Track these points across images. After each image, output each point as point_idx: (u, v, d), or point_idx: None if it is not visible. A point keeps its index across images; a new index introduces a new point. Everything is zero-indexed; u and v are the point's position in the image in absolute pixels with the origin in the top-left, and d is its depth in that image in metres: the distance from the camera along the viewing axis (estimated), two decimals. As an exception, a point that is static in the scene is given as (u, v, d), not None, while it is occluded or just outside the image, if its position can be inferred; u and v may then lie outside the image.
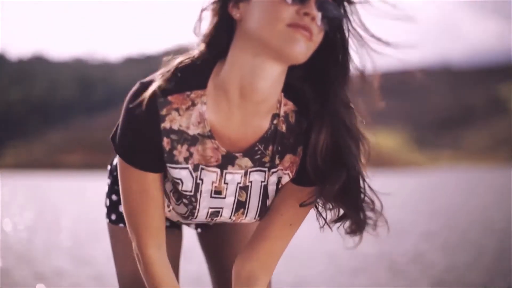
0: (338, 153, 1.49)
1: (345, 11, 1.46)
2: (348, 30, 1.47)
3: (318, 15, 1.40)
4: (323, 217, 1.59)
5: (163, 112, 1.50)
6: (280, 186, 1.61)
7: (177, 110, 1.51)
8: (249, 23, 1.43)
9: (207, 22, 1.50)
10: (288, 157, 1.57)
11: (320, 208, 1.59)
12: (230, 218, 1.64)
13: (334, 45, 1.48)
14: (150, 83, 1.49)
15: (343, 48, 1.48)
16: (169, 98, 1.49)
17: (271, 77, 1.46)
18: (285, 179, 1.60)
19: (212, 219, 1.66)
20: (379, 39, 1.44)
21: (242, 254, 1.67)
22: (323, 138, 1.49)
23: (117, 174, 1.82)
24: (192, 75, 1.51)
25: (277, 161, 1.57)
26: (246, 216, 1.63)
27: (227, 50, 1.50)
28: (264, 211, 1.62)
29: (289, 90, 1.54)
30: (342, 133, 1.49)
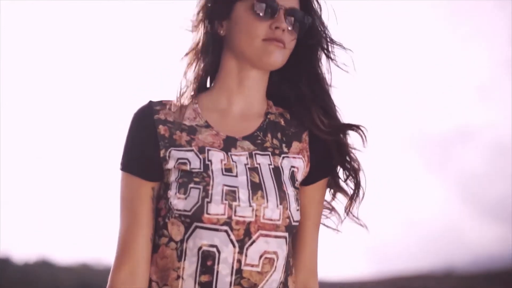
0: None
1: (313, 18, 1.69)
2: (318, 30, 1.69)
3: (288, 26, 1.62)
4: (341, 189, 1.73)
5: (157, 107, 1.66)
6: (296, 181, 1.67)
7: (170, 109, 1.66)
8: (232, 40, 1.65)
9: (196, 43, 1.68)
10: (295, 145, 1.69)
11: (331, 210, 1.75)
12: (250, 205, 1.58)
13: (306, 46, 1.69)
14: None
15: (314, 47, 1.70)
16: (163, 101, 1.68)
17: (255, 78, 1.67)
18: (299, 164, 1.68)
19: (230, 214, 1.57)
20: (340, 45, 1.69)
21: (295, 269, 1.70)
22: (315, 111, 1.67)
23: None
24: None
25: (285, 149, 1.68)
26: (267, 200, 1.59)
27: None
28: (285, 199, 1.61)
29: (275, 98, 1.74)
30: (325, 99, 1.69)
